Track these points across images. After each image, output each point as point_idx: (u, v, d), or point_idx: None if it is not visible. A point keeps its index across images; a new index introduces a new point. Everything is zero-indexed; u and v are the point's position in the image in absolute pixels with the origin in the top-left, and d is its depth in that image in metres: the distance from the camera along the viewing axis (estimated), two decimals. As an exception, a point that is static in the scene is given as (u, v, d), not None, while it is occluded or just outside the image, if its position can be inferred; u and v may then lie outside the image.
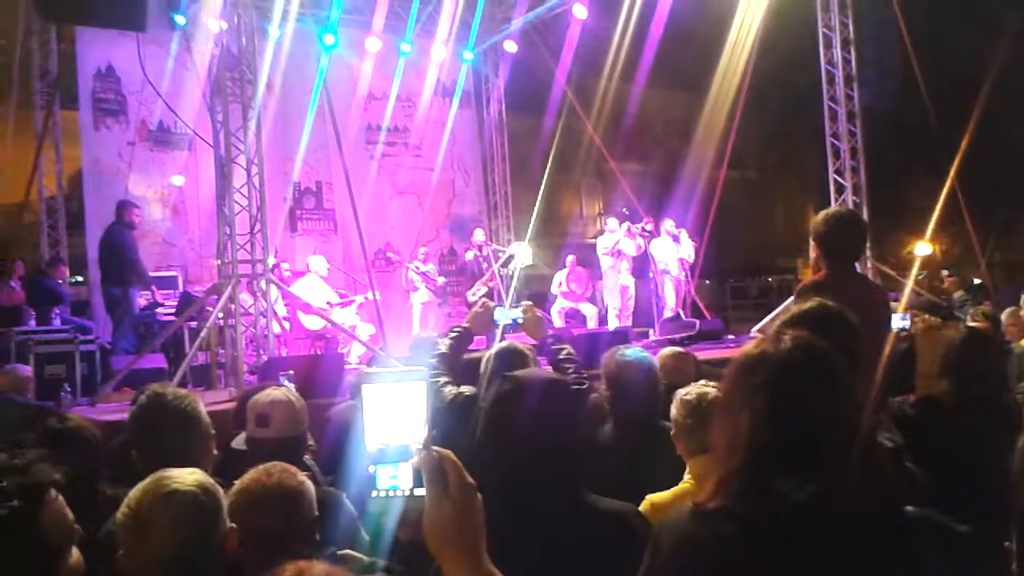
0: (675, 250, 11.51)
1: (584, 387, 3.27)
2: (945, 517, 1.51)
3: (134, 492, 1.96)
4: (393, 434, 1.23)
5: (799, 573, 1.36)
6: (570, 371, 3.36)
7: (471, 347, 3.68)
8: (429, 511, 1.16)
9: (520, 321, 3.64)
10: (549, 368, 3.38)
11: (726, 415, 1.51)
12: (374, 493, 1.22)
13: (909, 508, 1.50)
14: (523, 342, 3.55)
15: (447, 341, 3.54)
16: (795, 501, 1.35)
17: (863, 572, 1.37)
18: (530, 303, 3.72)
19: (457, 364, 3.47)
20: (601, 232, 13.06)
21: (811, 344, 1.51)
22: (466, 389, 3.26)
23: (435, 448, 1.18)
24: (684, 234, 11.65)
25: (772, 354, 1.50)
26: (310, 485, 2.27)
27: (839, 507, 1.36)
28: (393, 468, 1.21)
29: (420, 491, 1.18)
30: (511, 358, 3.22)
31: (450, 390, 3.25)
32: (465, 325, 3.64)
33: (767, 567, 1.36)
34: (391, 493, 1.21)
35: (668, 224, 11.67)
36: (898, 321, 5.54)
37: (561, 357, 3.41)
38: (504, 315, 3.72)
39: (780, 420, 1.43)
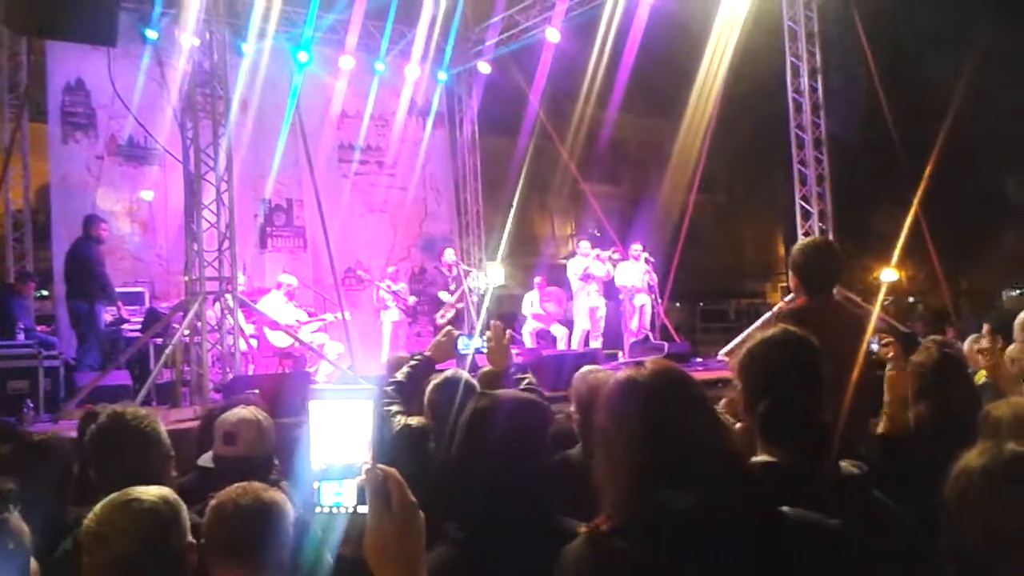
0: (641, 274, 11.58)
1: (550, 422, 3.24)
2: (817, 514, 1.59)
3: (100, 503, 2.03)
4: (338, 451, 1.23)
5: None
6: None
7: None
8: (370, 528, 1.18)
9: (484, 350, 3.59)
10: None
11: (606, 441, 1.61)
12: (318, 509, 1.23)
13: (785, 508, 1.57)
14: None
15: (406, 370, 3.48)
16: (677, 511, 1.45)
17: (746, 572, 1.45)
18: (493, 329, 3.64)
19: (415, 393, 3.40)
20: (573, 254, 13.13)
21: (669, 368, 1.65)
22: (413, 420, 3.22)
23: (380, 466, 1.20)
24: (643, 259, 11.70)
25: (637, 380, 1.61)
26: (283, 503, 2.26)
27: (718, 513, 1.45)
28: (337, 485, 1.22)
29: (363, 508, 1.20)
30: (450, 388, 3.20)
31: (399, 420, 3.20)
32: (427, 354, 3.58)
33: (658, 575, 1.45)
34: (335, 510, 1.22)
35: (635, 248, 11.73)
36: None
37: (522, 388, 3.36)
38: (468, 344, 3.68)
39: (652, 439, 1.53)
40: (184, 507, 2.11)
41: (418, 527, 1.20)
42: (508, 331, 3.67)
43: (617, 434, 1.57)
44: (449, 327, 3.82)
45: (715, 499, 1.46)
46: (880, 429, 3.07)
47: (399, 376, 3.47)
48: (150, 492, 2.06)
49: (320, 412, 1.25)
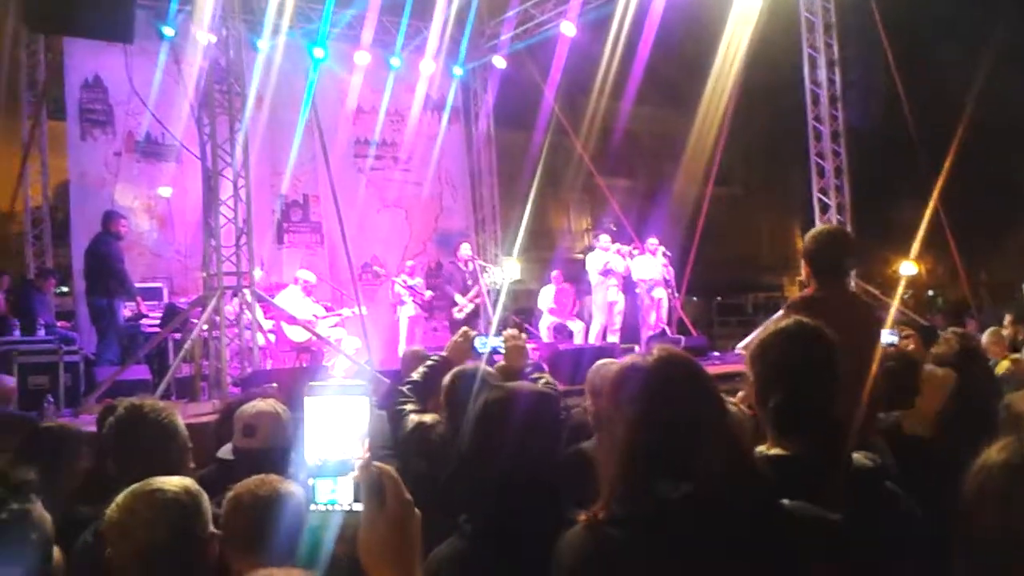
0: (658, 268, 11.60)
1: (563, 417, 3.25)
2: (817, 507, 1.58)
3: (123, 493, 2.04)
4: (334, 448, 1.20)
5: (683, 568, 1.44)
6: None
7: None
8: (364, 526, 1.15)
9: (502, 350, 3.59)
10: None
11: (606, 428, 1.63)
12: (313, 507, 1.20)
13: (785, 501, 1.56)
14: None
15: (422, 370, 3.49)
16: (672, 501, 1.44)
17: (742, 564, 1.44)
18: (510, 332, 3.64)
19: (431, 393, 3.39)
20: (591, 248, 13.11)
21: (673, 355, 1.62)
22: (428, 417, 3.22)
23: (375, 463, 1.17)
24: (660, 252, 11.72)
25: (640, 367, 1.60)
26: (299, 495, 2.28)
27: (714, 504, 1.44)
28: (332, 482, 1.19)
29: (359, 506, 1.17)
30: (467, 379, 3.20)
31: (413, 419, 3.20)
32: (444, 354, 3.59)
33: (653, 565, 1.44)
34: (329, 507, 1.19)
35: (651, 242, 11.74)
36: (887, 337, 5.57)
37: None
38: (485, 343, 3.67)
39: (651, 427, 1.51)
40: (206, 497, 2.13)
41: (414, 526, 1.17)
42: (525, 330, 3.66)
43: (617, 421, 1.56)
44: (466, 328, 3.82)
45: (712, 490, 1.45)
46: (910, 428, 3.03)
47: (415, 376, 3.49)
48: (172, 482, 2.08)
49: (315, 408, 1.22)
